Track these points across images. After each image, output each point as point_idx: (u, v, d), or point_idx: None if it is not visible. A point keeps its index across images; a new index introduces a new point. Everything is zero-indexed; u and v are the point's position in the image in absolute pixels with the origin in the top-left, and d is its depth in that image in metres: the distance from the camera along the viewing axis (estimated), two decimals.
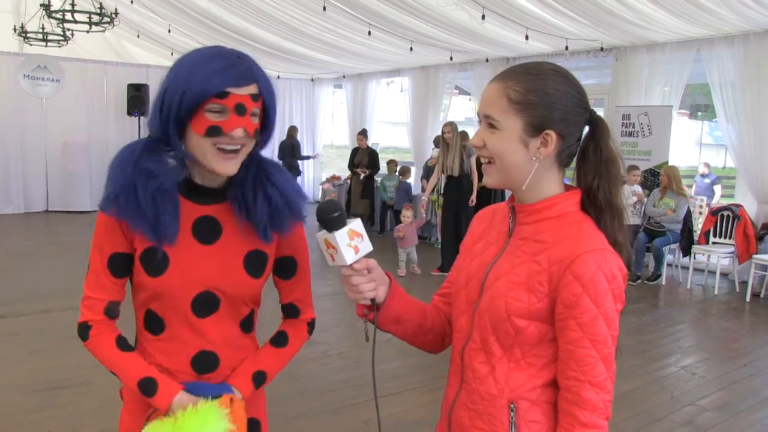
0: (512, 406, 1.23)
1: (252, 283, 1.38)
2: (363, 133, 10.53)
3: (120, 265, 1.33)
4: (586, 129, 1.28)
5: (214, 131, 1.23)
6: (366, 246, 1.23)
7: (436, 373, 4.20)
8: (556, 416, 1.22)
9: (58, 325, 5.19)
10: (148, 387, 1.30)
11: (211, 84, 1.21)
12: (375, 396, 1.35)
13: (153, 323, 1.36)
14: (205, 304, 1.34)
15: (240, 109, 1.23)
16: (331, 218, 1.21)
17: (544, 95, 1.21)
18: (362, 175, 10.09)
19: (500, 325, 1.23)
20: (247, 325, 1.44)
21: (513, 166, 1.24)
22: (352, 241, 1.21)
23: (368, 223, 10.37)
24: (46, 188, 11.62)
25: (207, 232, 1.34)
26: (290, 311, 1.51)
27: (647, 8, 6.82)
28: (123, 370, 1.32)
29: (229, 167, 1.27)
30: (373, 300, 1.29)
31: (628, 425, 3.71)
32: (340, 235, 1.20)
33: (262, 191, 1.35)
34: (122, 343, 1.36)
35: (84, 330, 1.35)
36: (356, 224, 1.23)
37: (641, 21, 7.23)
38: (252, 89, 1.26)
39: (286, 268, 1.47)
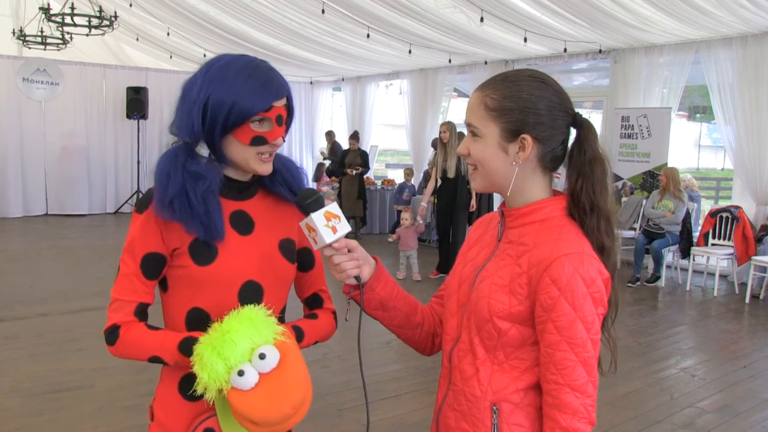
0: (495, 408, 1.24)
1: (289, 267, 1.45)
2: (355, 136, 10.59)
3: (153, 266, 1.34)
4: (574, 132, 1.29)
5: (259, 141, 1.33)
6: (344, 226, 1.31)
7: (435, 375, 4.20)
8: (540, 419, 1.23)
9: (57, 328, 5.19)
10: (190, 345, 1.27)
11: (260, 100, 1.30)
12: (362, 371, 1.39)
13: (198, 323, 1.34)
14: (251, 295, 1.37)
15: (279, 120, 1.35)
16: (308, 203, 1.32)
17: (518, 100, 1.24)
18: (354, 172, 10.13)
19: (483, 325, 1.25)
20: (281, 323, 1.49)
21: (494, 171, 1.27)
22: (329, 222, 1.30)
23: (361, 224, 10.40)
24: (45, 192, 11.62)
25: (243, 224, 1.40)
26: (314, 301, 1.56)
27: (645, 10, 6.84)
28: (161, 342, 1.30)
29: (268, 167, 1.38)
30: (358, 278, 1.34)
31: (627, 427, 3.71)
32: (317, 217, 1.29)
33: (280, 176, 1.47)
34: (155, 327, 1.35)
35: (112, 332, 1.33)
36: (332, 207, 1.32)
37: (639, 23, 7.25)
38: (284, 100, 1.37)
39: (306, 259, 1.52)
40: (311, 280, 1.54)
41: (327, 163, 12.23)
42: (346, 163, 10.23)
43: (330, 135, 12.61)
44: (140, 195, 9.27)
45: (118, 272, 1.35)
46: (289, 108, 1.40)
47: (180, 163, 1.33)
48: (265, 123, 1.33)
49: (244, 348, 1.23)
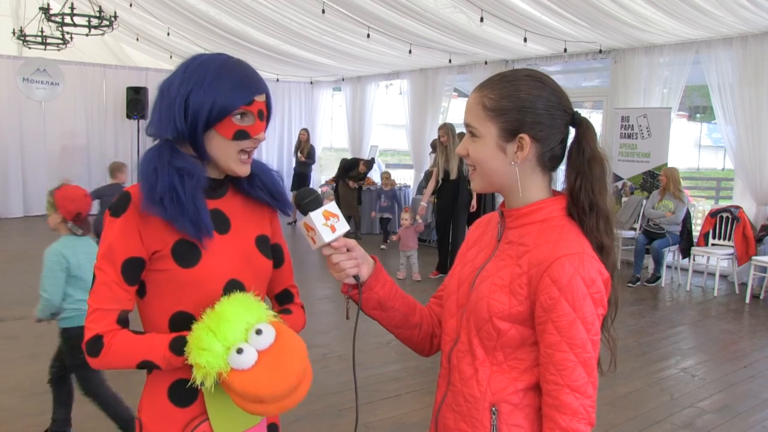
0: (494, 409, 1.24)
1: (267, 263, 1.46)
2: (369, 165, 10.69)
3: (134, 271, 1.30)
4: (573, 132, 1.29)
5: (241, 135, 1.33)
6: (342, 225, 1.32)
7: (435, 376, 4.19)
8: (539, 420, 1.23)
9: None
10: (181, 344, 1.26)
11: (242, 93, 1.31)
12: (354, 372, 1.38)
13: (183, 326, 1.32)
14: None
15: (261, 115, 1.36)
16: (307, 202, 1.32)
17: (516, 100, 1.24)
18: (355, 186, 10.36)
19: (483, 326, 1.25)
20: None
21: (493, 171, 1.27)
22: (328, 221, 1.30)
23: (354, 227, 10.44)
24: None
25: (221, 222, 1.39)
26: (285, 297, 1.57)
27: (645, 10, 6.84)
28: (150, 345, 1.27)
29: (247, 169, 1.39)
30: (356, 277, 1.34)
31: (628, 427, 3.71)
32: (316, 216, 1.29)
33: (259, 180, 1.47)
34: (140, 332, 1.33)
35: (96, 343, 1.28)
36: (331, 206, 1.32)
37: (639, 23, 7.25)
38: (264, 96, 1.37)
39: (277, 256, 1.53)
40: (282, 277, 1.55)
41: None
42: (350, 175, 10.33)
43: (306, 133, 11.62)
44: None
45: (94, 281, 1.30)
46: (269, 106, 1.40)
47: (165, 159, 1.31)
48: (247, 117, 1.33)
49: (239, 327, 1.23)
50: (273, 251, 1.50)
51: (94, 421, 3.59)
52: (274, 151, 13.93)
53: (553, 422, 1.18)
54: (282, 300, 1.56)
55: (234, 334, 1.22)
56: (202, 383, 1.25)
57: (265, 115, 1.37)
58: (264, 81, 1.37)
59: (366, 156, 12.49)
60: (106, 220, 1.32)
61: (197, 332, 1.23)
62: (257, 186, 1.45)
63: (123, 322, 1.32)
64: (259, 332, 1.23)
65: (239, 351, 1.20)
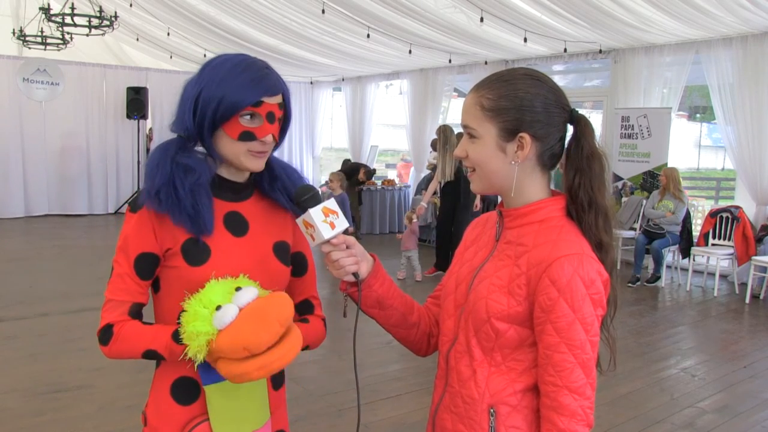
0: (492, 410, 1.23)
1: (284, 270, 1.43)
2: (369, 173, 10.77)
3: (146, 266, 1.32)
4: (571, 129, 1.29)
5: (247, 136, 1.32)
6: (342, 222, 1.29)
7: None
8: (537, 422, 1.22)
9: (57, 328, 5.19)
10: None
11: (249, 94, 1.30)
12: (356, 371, 1.38)
13: None
14: None
15: (270, 117, 1.33)
16: (305, 199, 1.31)
17: (515, 99, 1.23)
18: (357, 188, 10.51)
19: (481, 326, 1.24)
20: None
21: (493, 172, 1.26)
22: (327, 218, 1.28)
23: (355, 226, 10.48)
24: (47, 192, 11.62)
25: (237, 225, 1.39)
26: (305, 308, 1.54)
27: (645, 10, 6.84)
28: (155, 334, 1.29)
29: (259, 164, 1.37)
30: (356, 275, 1.32)
31: (628, 427, 3.71)
32: (315, 212, 1.27)
33: (281, 183, 1.46)
34: (149, 323, 1.34)
35: (106, 332, 1.31)
36: (330, 202, 1.31)
37: (640, 23, 7.25)
38: (279, 99, 1.35)
39: (299, 264, 1.50)
40: (303, 286, 1.52)
41: None
42: (350, 181, 10.41)
43: None
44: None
45: (111, 272, 1.34)
46: (286, 108, 1.38)
47: (170, 155, 1.33)
48: (255, 119, 1.32)
49: (222, 292, 1.25)
50: (295, 259, 1.48)
51: (91, 420, 3.59)
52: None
53: (551, 423, 1.17)
54: (301, 310, 1.52)
55: (216, 297, 1.23)
56: (200, 379, 1.27)
57: (276, 118, 1.34)
58: (281, 83, 1.35)
59: (366, 157, 12.53)
60: (126, 214, 1.35)
61: (185, 305, 1.25)
62: (278, 189, 1.45)
63: (135, 314, 1.34)
64: (237, 289, 1.25)
65: (218, 308, 1.22)
